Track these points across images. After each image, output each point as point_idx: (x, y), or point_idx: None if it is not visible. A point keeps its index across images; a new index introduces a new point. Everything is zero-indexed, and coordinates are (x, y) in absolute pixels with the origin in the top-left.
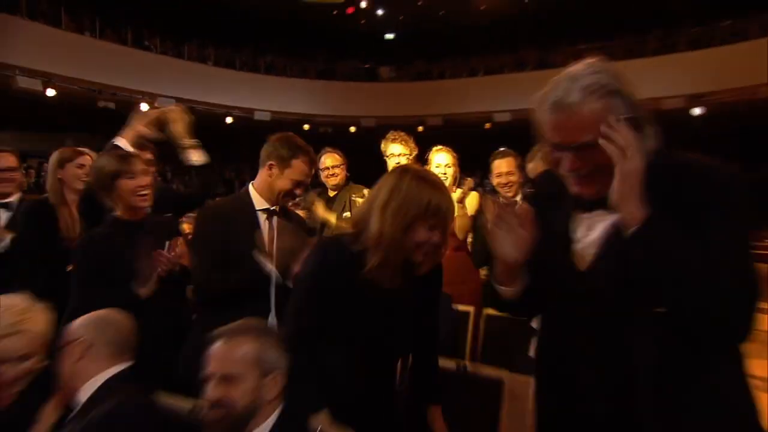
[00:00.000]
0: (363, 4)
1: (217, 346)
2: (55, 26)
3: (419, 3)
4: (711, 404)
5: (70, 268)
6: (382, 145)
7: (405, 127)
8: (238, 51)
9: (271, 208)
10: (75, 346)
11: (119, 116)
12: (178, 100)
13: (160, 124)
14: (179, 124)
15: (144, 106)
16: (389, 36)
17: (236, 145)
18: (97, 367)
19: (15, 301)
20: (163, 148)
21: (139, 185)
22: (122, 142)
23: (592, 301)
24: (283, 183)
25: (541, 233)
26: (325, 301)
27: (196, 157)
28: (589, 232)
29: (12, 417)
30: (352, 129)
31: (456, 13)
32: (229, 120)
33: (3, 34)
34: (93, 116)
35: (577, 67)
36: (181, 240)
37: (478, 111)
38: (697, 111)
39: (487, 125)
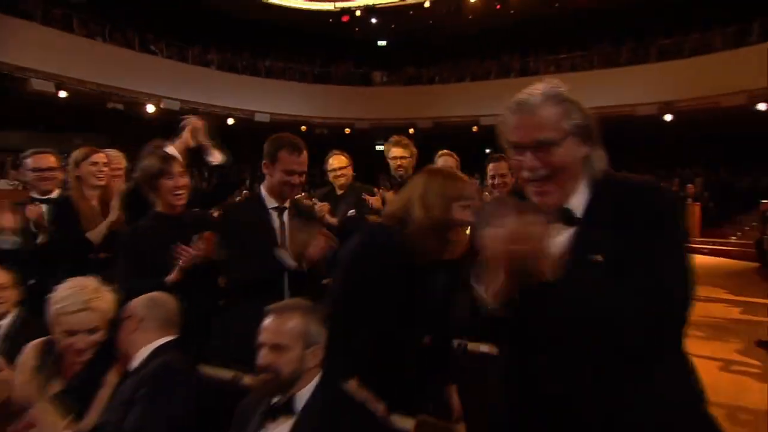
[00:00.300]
0: (358, 13)
1: (269, 320)
2: (68, 31)
3: (411, 13)
4: (656, 400)
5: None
6: (385, 148)
7: (396, 129)
8: (239, 55)
9: (281, 206)
10: (130, 321)
11: (126, 116)
12: (182, 102)
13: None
14: (202, 131)
15: (150, 108)
16: (382, 43)
17: (237, 145)
18: (148, 338)
19: (86, 282)
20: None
21: (177, 185)
22: (171, 150)
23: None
24: (278, 176)
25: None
26: (370, 280)
27: (218, 158)
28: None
29: (80, 382)
30: (347, 130)
31: (445, 22)
32: (230, 121)
33: (18, 39)
34: (102, 116)
35: (539, 83)
36: (209, 234)
37: (466, 115)
38: (668, 117)
39: (474, 128)
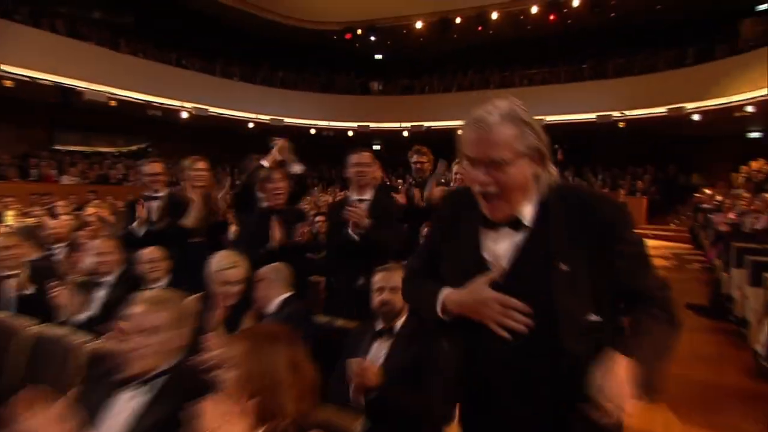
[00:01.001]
0: (359, 31)
1: (381, 274)
2: (115, 50)
3: (404, 32)
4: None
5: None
6: (409, 155)
7: (391, 132)
8: (258, 69)
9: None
10: (264, 281)
11: (164, 121)
12: (210, 109)
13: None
14: (286, 149)
15: (184, 114)
16: (378, 57)
17: (255, 146)
18: (277, 293)
19: (229, 252)
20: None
21: (277, 187)
22: (265, 162)
23: (536, 305)
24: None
25: (451, 241)
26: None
27: (297, 168)
28: (496, 245)
29: (227, 323)
30: (350, 133)
31: (434, 40)
32: (250, 125)
33: (75, 57)
34: (144, 121)
35: (501, 100)
36: (302, 225)
37: (451, 120)
38: (621, 124)
39: (459, 132)
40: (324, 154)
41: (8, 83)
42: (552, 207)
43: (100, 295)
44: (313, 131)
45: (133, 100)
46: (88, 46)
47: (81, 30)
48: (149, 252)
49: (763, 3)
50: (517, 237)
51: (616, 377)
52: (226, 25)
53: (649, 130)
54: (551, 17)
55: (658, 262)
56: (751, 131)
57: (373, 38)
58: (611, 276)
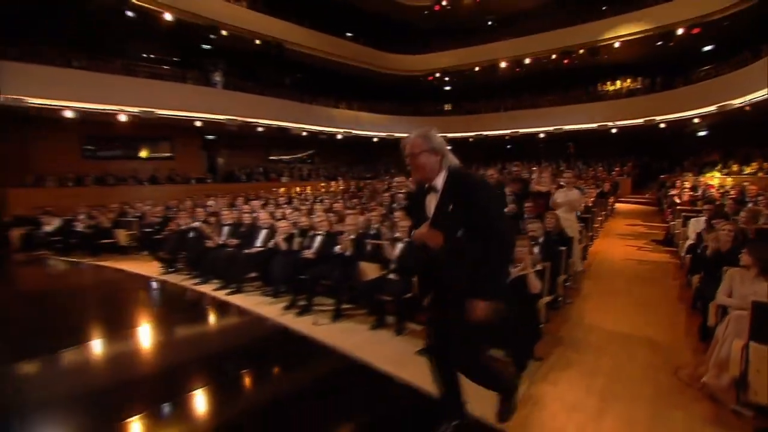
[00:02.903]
0: (437, 75)
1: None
2: (298, 101)
3: (466, 72)
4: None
5: None
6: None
7: (460, 140)
8: (370, 101)
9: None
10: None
11: (325, 141)
12: (353, 131)
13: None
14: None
15: (339, 136)
16: (448, 88)
17: (379, 155)
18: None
19: None
20: None
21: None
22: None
23: (438, 228)
24: None
25: (418, 203)
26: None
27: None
28: (428, 201)
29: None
30: None
31: (486, 77)
32: (374, 140)
33: (277, 107)
34: (310, 141)
35: (421, 130)
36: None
37: (500, 131)
38: (614, 130)
39: (507, 138)
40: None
41: (234, 125)
42: (447, 179)
43: None
44: None
45: (309, 129)
46: (283, 101)
47: (273, 90)
48: None
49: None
50: (435, 196)
51: (475, 308)
52: (348, 75)
53: (632, 134)
54: (565, 61)
55: (636, 217)
56: (700, 131)
57: (446, 78)
58: (470, 214)
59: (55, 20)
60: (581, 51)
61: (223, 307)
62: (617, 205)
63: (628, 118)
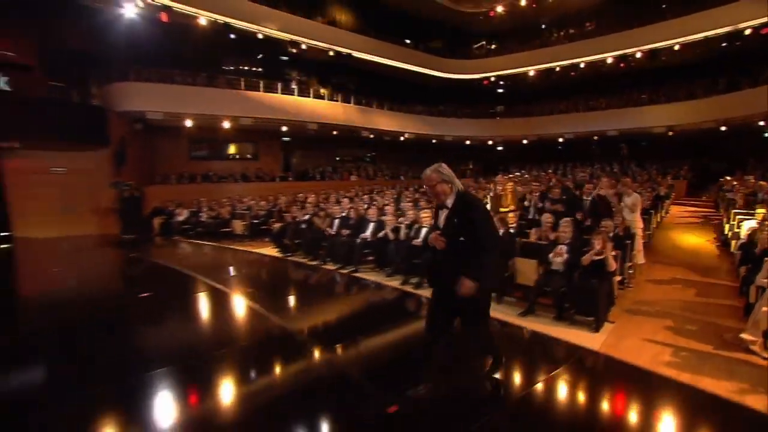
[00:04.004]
0: (492, 79)
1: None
2: (378, 107)
3: (521, 77)
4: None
5: None
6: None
7: (515, 140)
8: (438, 106)
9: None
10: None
11: (389, 142)
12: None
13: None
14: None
15: (401, 138)
16: (501, 90)
17: (436, 155)
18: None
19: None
20: None
21: None
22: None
23: (446, 234)
24: None
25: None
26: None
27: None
28: (441, 215)
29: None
30: (490, 143)
31: (541, 81)
32: (434, 141)
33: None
34: (369, 142)
35: (434, 166)
36: None
37: (553, 133)
38: (670, 133)
39: (560, 140)
40: (472, 156)
41: (312, 127)
42: (456, 201)
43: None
44: (468, 142)
45: (376, 130)
46: (353, 106)
47: (343, 95)
48: None
49: None
50: (446, 213)
51: (464, 285)
52: (407, 80)
53: (689, 135)
54: (621, 65)
55: (692, 219)
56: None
57: (501, 82)
58: (468, 227)
59: (173, 46)
60: (638, 55)
61: (353, 280)
62: (672, 207)
63: (687, 120)
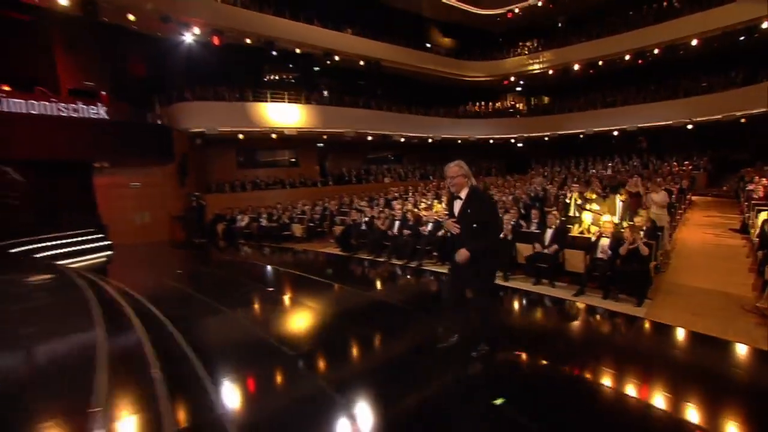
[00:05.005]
0: (512, 79)
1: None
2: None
3: (540, 77)
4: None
5: None
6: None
7: (537, 138)
8: (459, 108)
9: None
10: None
11: (412, 144)
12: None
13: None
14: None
15: (429, 140)
16: (518, 89)
17: (460, 154)
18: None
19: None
20: None
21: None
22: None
23: (460, 222)
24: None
25: (451, 204)
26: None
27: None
28: (455, 205)
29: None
30: (512, 140)
31: (558, 80)
32: (459, 141)
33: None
34: (396, 145)
35: (456, 161)
36: None
37: (573, 130)
38: (689, 126)
39: (581, 136)
40: (495, 154)
41: (350, 135)
42: (469, 193)
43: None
44: (492, 141)
45: (406, 135)
46: (383, 113)
47: (374, 102)
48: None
49: None
50: (460, 203)
51: (460, 253)
52: (431, 83)
53: (708, 127)
54: (639, 61)
55: (713, 209)
56: None
57: (521, 82)
58: (480, 216)
59: (221, 65)
60: (656, 51)
61: (421, 272)
62: (694, 197)
63: (706, 114)
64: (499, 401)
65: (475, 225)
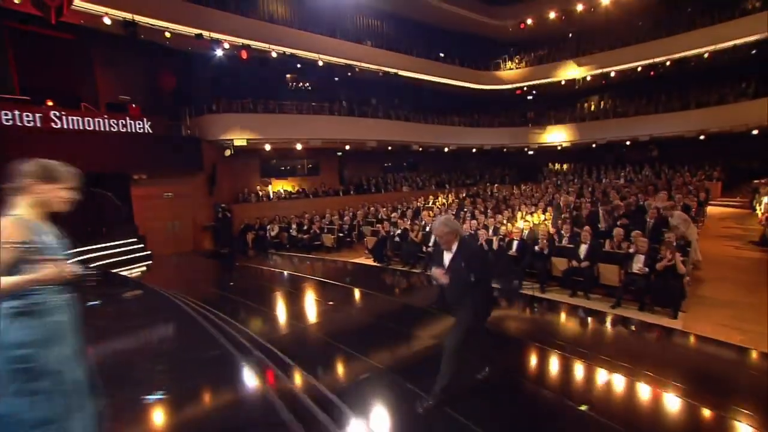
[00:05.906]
0: (525, 88)
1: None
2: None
3: (550, 86)
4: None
5: None
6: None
7: (549, 146)
8: (472, 116)
9: None
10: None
11: (430, 152)
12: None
13: None
14: None
15: (446, 149)
16: (530, 97)
17: (473, 162)
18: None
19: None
20: None
21: None
22: None
23: (451, 275)
24: None
25: (439, 254)
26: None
27: None
28: (445, 255)
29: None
30: (525, 149)
31: (564, 88)
32: (474, 150)
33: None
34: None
35: (442, 218)
36: None
37: (590, 138)
38: (702, 137)
39: (593, 145)
40: (508, 161)
41: (372, 144)
42: (459, 245)
43: None
44: (505, 150)
45: (425, 143)
46: (401, 122)
47: (391, 112)
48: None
49: None
50: (450, 254)
51: (434, 272)
52: (447, 92)
53: (719, 141)
54: (651, 73)
55: (729, 220)
56: None
57: (533, 91)
58: (473, 269)
59: (247, 78)
60: (668, 63)
61: None
62: (708, 208)
63: (718, 124)
64: (583, 407)
65: (466, 276)
